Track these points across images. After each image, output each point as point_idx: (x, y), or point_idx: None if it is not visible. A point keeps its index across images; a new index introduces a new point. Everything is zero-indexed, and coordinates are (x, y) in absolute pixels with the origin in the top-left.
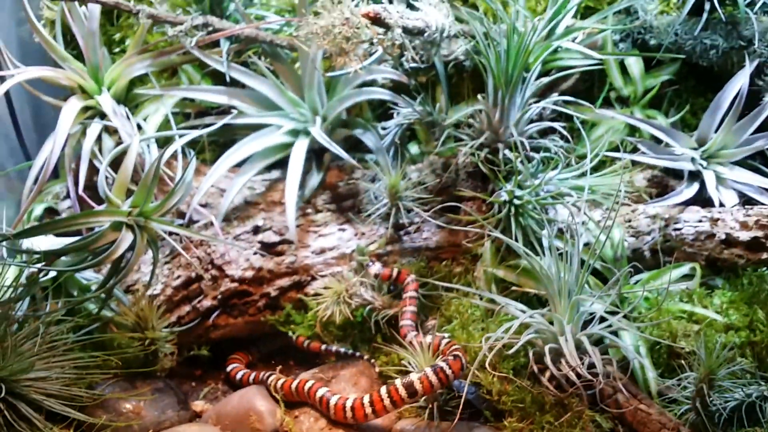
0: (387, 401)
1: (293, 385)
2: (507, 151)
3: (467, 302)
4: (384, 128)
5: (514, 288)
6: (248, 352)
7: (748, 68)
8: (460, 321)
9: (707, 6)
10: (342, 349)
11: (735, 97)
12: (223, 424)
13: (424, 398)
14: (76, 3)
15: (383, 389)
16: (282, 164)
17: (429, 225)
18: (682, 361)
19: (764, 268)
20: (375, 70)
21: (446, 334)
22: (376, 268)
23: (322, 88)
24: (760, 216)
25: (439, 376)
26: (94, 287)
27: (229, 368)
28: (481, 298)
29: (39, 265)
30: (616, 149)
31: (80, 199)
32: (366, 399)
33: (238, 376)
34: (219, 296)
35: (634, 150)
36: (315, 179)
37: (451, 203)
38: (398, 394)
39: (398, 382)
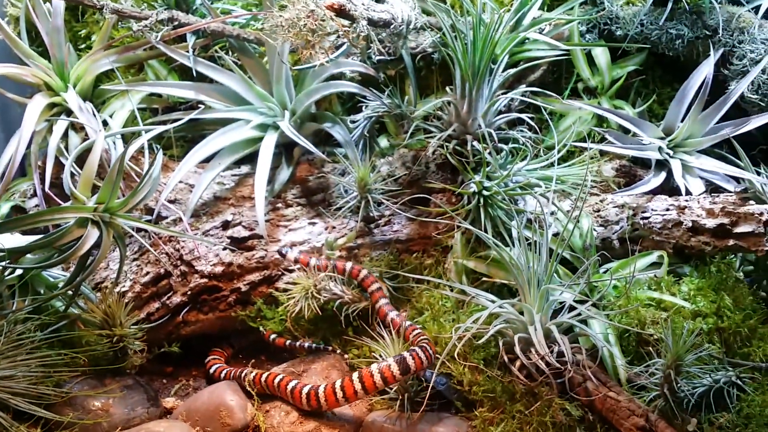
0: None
1: (263, 378)
2: (475, 143)
3: (438, 294)
4: (353, 121)
5: (484, 279)
6: (225, 348)
7: (713, 58)
8: (432, 312)
9: None
10: (306, 344)
11: (700, 87)
12: (193, 419)
13: (395, 390)
14: None
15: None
16: (251, 159)
17: (399, 217)
18: (651, 349)
19: (732, 256)
20: (343, 63)
21: (418, 327)
22: (294, 253)
23: (290, 81)
24: (726, 203)
25: (406, 364)
26: (61, 285)
27: (208, 364)
28: (451, 290)
29: (4, 263)
30: (584, 139)
31: (47, 196)
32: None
33: (211, 370)
34: (189, 292)
35: (602, 140)
36: (285, 173)
37: (421, 195)
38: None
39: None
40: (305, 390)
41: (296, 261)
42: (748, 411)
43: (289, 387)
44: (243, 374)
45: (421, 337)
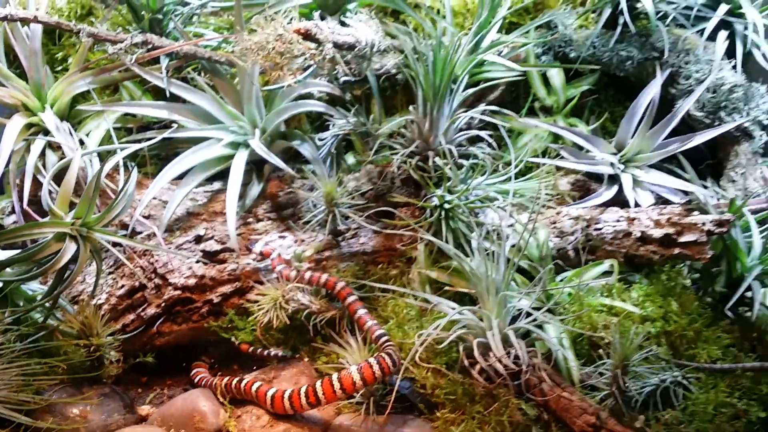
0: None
1: (233, 384)
2: (437, 159)
3: (403, 302)
4: (321, 139)
5: (447, 288)
6: (206, 359)
7: (660, 78)
8: (397, 320)
9: (621, 20)
10: (269, 351)
11: (648, 105)
12: (167, 425)
13: (360, 394)
14: (18, 23)
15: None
16: (223, 176)
17: (365, 230)
18: (602, 351)
19: (681, 264)
20: (310, 84)
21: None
22: (259, 246)
23: (260, 101)
24: (672, 214)
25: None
26: (39, 297)
27: (193, 375)
28: (415, 298)
29: None
30: (543, 155)
31: (25, 213)
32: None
33: (196, 379)
34: (163, 304)
35: (558, 156)
36: (255, 189)
37: (387, 209)
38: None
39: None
40: (303, 390)
41: (261, 254)
42: (693, 408)
43: (269, 393)
44: (225, 383)
45: (388, 344)
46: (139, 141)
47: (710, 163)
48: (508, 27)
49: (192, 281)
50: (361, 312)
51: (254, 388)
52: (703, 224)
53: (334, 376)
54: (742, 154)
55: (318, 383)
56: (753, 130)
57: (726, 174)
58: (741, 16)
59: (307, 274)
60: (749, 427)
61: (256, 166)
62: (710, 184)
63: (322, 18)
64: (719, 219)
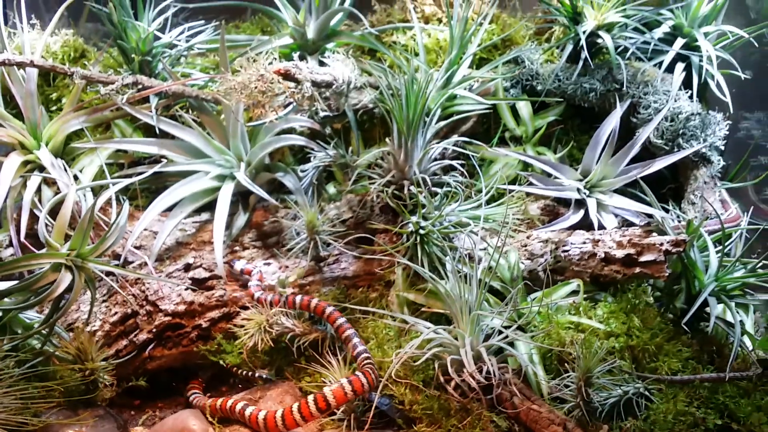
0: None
1: (218, 404)
2: (412, 187)
3: (382, 324)
4: (303, 171)
5: (423, 309)
6: (200, 380)
7: (619, 109)
8: (377, 341)
9: (583, 55)
10: (258, 374)
11: (610, 134)
12: None
13: (342, 410)
14: (15, 66)
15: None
16: (210, 207)
17: (346, 256)
18: (569, 366)
19: (645, 283)
20: (292, 119)
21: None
22: (239, 264)
23: (245, 136)
24: (633, 236)
25: (354, 386)
26: (36, 325)
27: (189, 394)
28: (394, 319)
29: None
30: (513, 182)
31: (22, 246)
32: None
33: (191, 398)
34: (154, 330)
35: (528, 183)
36: (241, 219)
37: (366, 235)
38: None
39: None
40: (295, 406)
41: (242, 272)
42: (654, 417)
43: (261, 415)
44: (219, 404)
45: (366, 362)
46: (130, 176)
47: (672, 187)
48: (478, 62)
49: (182, 307)
50: (349, 332)
51: (247, 412)
52: (661, 244)
53: (327, 389)
54: (701, 178)
55: (311, 397)
56: (710, 156)
57: (686, 197)
58: (696, 49)
59: (298, 299)
60: None
61: (242, 197)
62: (671, 206)
63: (302, 58)
64: (676, 239)
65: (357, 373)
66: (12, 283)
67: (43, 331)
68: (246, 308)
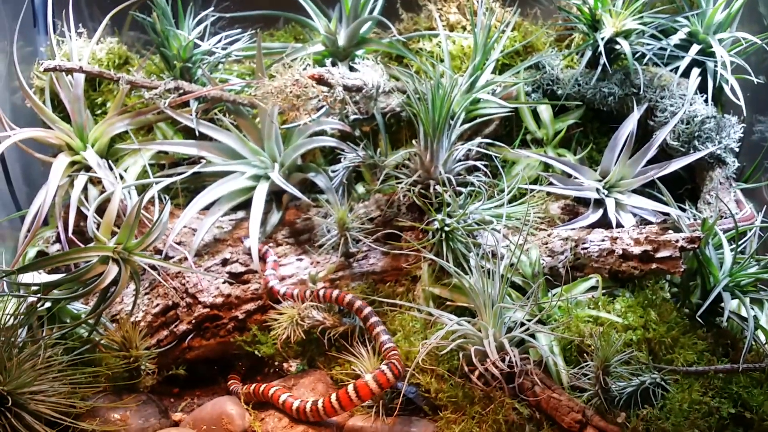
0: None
1: (261, 390)
2: (437, 187)
3: (409, 316)
4: (333, 171)
5: (448, 302)
6: (239, 372)
7: (637, 112)
8: (404, 333)
9: (602, 60)
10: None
11: (628, 136)
12: (199, 428)
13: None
14: (63, 72)
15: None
16: (246, 205)
17: (374, 252)
18: (588, 357)
19: (663, 279)
20: (324, 122)
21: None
22: (249, 241)
23: (279, 138)
24: (649, 233)
25: (379, 380)
26: (83, 316)
27: (230, 384)
28: (420, 312)
29: (38, 296)
30: (534, 182)
31: (70, 241)
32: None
33: (231, 388)
34: (193, 321)
35: (549, 183)
36: (275, 217)
37: (393, 232)
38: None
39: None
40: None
41: (250, 248)
42: (670, 406)
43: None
44: (253, 388)
45: (392, 352)
46: (171, 176)
47: (688, 187)
48: (501, 68)
49: (219, 300)
50: (379, 329)
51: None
52: (677, 241)
53: (369, 376)
54: (716, 179)
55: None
56: (725, 157)
57: (702, 197)
58: (711, 55)
59: (335, 293)
60: (721, 423)
61: (275, 196)
62: (688, 206)
63: (333, 64)
64: (691, 236)
65: (387, 362)
66: (61, 275)
67: (90, 321)
68: (278, 302)
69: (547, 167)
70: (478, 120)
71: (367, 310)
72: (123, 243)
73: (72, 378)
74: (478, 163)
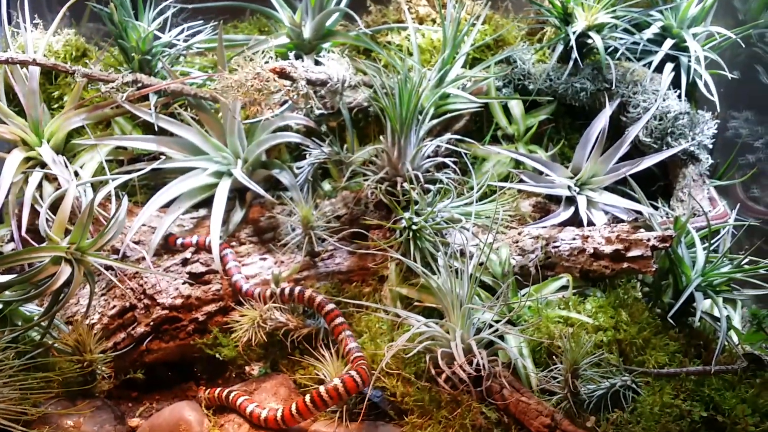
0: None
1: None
2: (405, 184)
3: (376, 317)
4: (299, 168)
5: (416, 303)
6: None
7: (608, 108)
8: (370, 334)
9: (574, 55)
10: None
11: (599, 133)
12: None
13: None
14: (18, 65)
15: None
16: (208, 203)
17: (340, 251)
18: (557, 359)
19: (634, 279)
20: (288, 117)
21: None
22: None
23: (242, 134)
24: (621, 232)
25: (347, 386)
26: (35, 318)
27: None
28: (387, 313)
29: None
30: (505, 179)
31: (23, 240)
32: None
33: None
34: (151, 323)
35: (519, 180)
36: (238, 215)
37: (360, 231)
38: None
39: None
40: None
41: (182, 245)
42: (641, 409)
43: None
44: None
45: (359, 360)
46: (129, 172)
47: (661, 185)
48: (471, 62)
49: (179, 301)
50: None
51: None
52: (648, 240)
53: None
54: (690, 176)
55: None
56: (699, 154)
57: (675, 195)
58: (685, 49)
59: (307, 292)
60: (693, 426)
61: (238, 193)
62: (661, 204)
63: (298, 57)
64: (662, 235)
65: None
66: (12, 276)
67: (43, 323)
68: (240, 304)
69: (518, 164)
70: (448, 115)
71: (334, 310)
72: (76, 243)
73: (23, 383)
74: (447, 160)
